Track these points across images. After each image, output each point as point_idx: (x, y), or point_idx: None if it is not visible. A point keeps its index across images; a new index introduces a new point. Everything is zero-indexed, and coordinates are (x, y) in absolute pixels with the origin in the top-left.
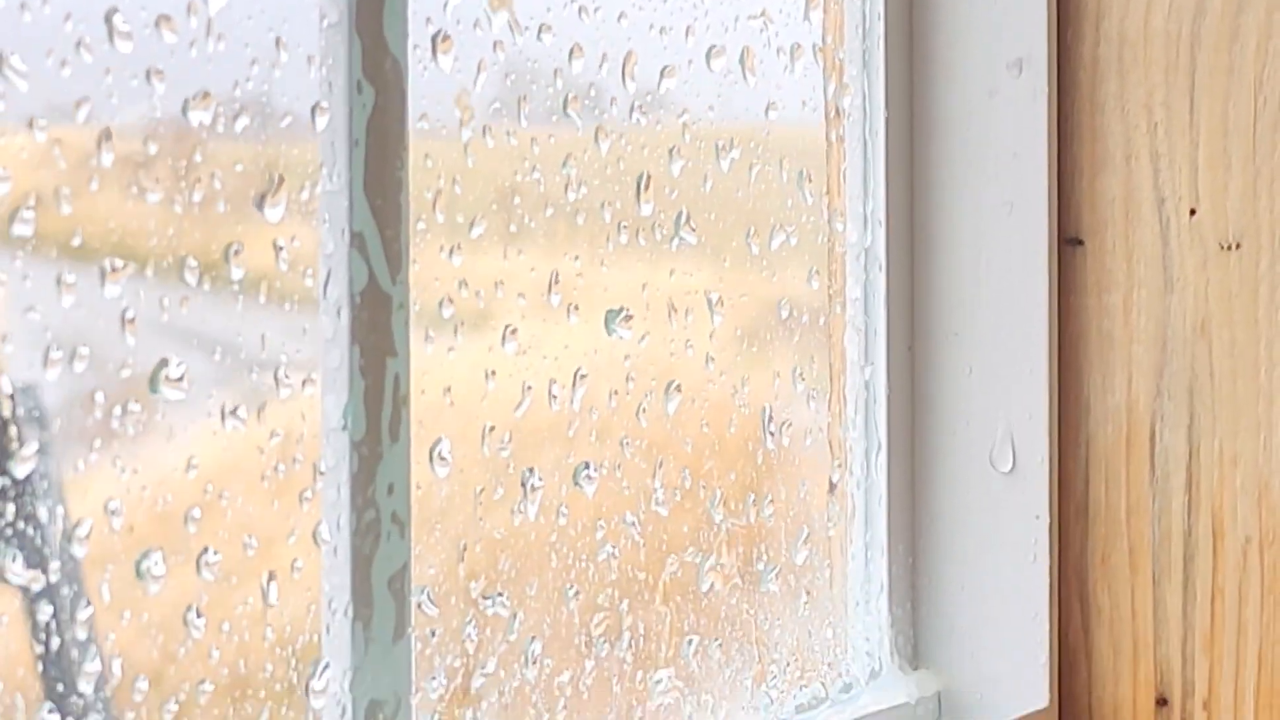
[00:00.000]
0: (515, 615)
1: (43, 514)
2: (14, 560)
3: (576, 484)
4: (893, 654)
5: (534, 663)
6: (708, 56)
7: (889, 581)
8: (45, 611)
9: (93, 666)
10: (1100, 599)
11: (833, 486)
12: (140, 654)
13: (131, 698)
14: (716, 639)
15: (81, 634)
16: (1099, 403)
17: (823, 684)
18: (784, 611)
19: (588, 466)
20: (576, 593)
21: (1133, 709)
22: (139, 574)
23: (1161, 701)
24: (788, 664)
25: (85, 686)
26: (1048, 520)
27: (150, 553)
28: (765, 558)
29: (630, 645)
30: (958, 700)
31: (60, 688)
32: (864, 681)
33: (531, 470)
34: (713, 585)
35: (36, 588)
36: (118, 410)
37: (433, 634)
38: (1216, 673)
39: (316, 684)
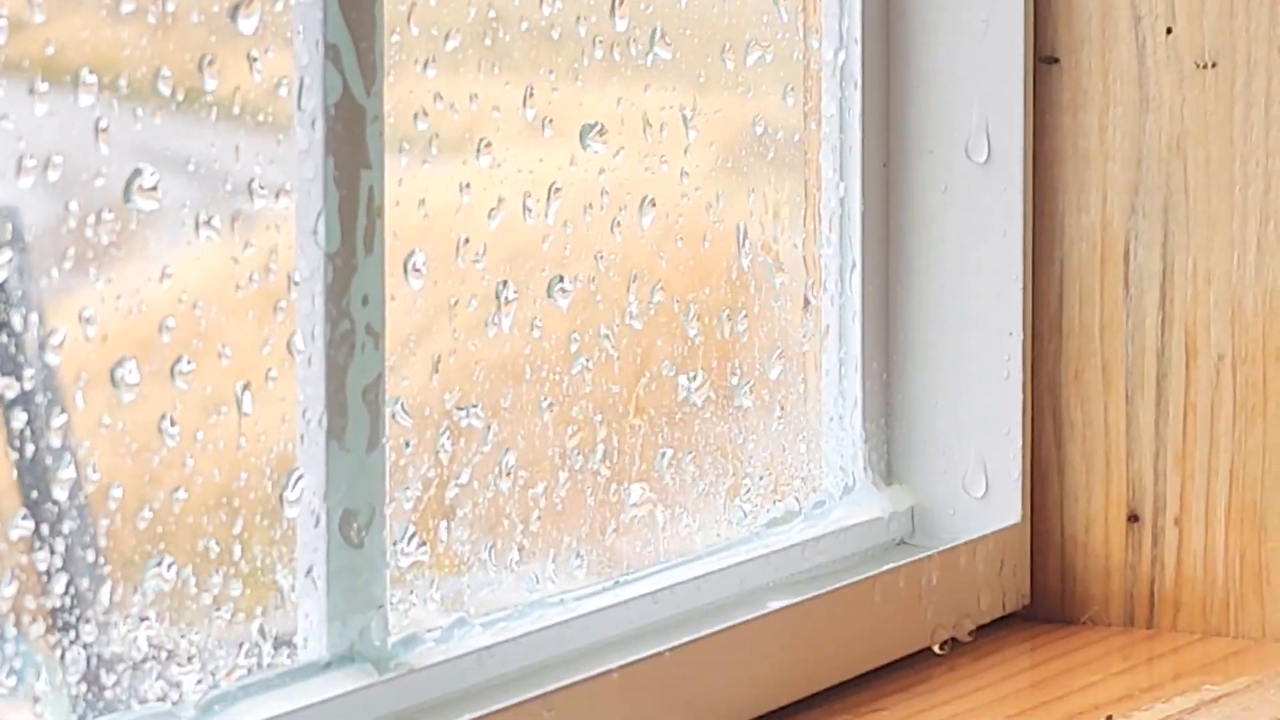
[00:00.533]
0: (489, 427)
1: (16, 322)
2: None
3: (550, 297)
4: (866, 469)
5: (508, 474)
6: None
7: (863, 397)
8: (19, 419)
9: (67, 474)
10: (1073, 415)
11: (807, 303)
12: (114, 462)
13: (106, 505)
14: (690, 452)
15: (56, 441)
16: (1073, 220)
17: (796, 499)
18: (758, 426)
19: (562, 280)
20: (550, 405)
21: (1104, 525)
22: (113, 382)
23: (1133, 517)
24: (761, 478)
25: (60, 493)
26: (1021, 337)
27: (124, 361)
28: (739, 373)
29: (604, 458)
30: (930, 515)
31: (35, 494)
32: (837, 496)
33: (505, 283)
34: (687, 398)
35: (11, 395)
36: (91, 219)
37: (406, 445)
38: (1188, 489)
39: (290, 494)
